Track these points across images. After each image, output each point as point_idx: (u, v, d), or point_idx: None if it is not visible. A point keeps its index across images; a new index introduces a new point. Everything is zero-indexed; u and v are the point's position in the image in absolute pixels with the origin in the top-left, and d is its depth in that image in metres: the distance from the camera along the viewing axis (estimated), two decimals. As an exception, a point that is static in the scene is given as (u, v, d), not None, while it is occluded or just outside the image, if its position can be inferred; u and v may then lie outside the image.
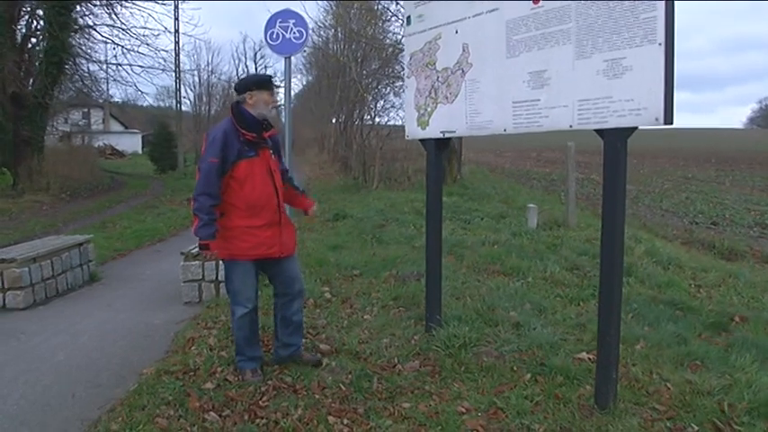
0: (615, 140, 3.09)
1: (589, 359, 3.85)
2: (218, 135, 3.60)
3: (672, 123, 2.89)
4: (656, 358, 4.02)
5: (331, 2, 20.91)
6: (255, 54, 45.40)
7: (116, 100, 29.08)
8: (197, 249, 5.93)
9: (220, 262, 5.86)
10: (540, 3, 3.41)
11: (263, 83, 3.76)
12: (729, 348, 4.31)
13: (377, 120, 21.25)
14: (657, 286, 6.20)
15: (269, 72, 48.48)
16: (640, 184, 21.62)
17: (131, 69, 19.69)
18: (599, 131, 3.15)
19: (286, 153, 5.87)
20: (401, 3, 14.40)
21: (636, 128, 3.02)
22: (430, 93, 4.29)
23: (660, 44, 2.85)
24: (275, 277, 3.92)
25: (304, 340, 4.24)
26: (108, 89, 23.46)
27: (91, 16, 18.71)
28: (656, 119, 2.89)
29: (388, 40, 17.58)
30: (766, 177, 24.79)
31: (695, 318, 5.09)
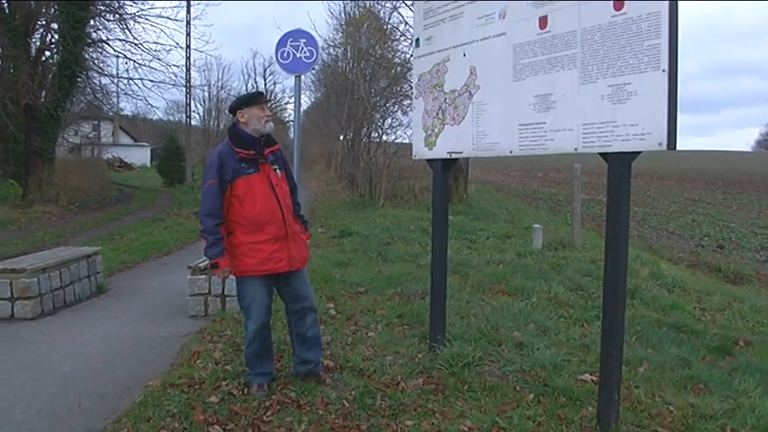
0: (619, 164, 3.14)
1: (592, 380, 3.86)
2: (214, 157, 3.71)
3: (675, 148, 2.93)
4: (659, 381, 4.03)
5: (341, 21, 21.17)
6: (265, 70, 46.01)
7: (126, 113, 29.38)
8: (204, 264, 6.05)
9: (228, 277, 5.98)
10: (547, 28, 3.49)
11: (250, 99, 3.83)
12: (733, 372, 4.31)
13: (384, 137, 21.34)
14: (662, 309, 6.20)
15: (278, 88, 48.98)
16: (647, 206, 21.60)
17: (142, 83, 19.99)
18: (603, 155, 3.20)
19: (294, 168, 5.90)
20: (410, 24, 14.57)
21: (639, 152, 3.07)
22: (437, 114, 4.35)
23: (664, 70, 2.91)
24: (285, 294, 3.96)
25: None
26: (118, 102, 23.78)
27: (104, 31, 19.01)
28: (660, 143, 2.94)
29: (396, 59, 17.73)
30: (774, 201, 24.71)
31: (699, 341, 5.09)
